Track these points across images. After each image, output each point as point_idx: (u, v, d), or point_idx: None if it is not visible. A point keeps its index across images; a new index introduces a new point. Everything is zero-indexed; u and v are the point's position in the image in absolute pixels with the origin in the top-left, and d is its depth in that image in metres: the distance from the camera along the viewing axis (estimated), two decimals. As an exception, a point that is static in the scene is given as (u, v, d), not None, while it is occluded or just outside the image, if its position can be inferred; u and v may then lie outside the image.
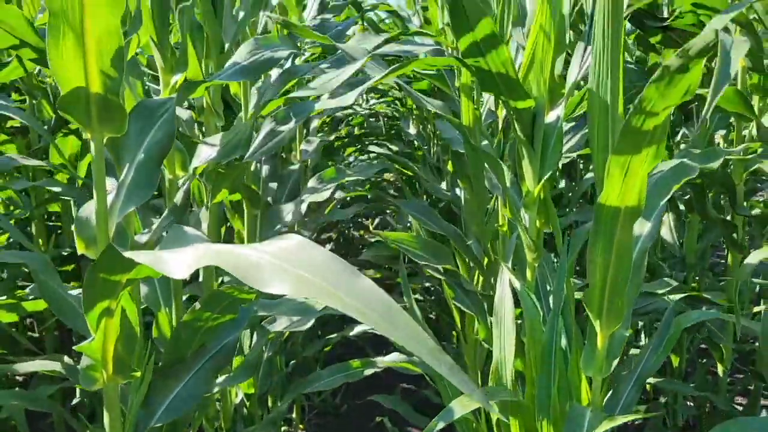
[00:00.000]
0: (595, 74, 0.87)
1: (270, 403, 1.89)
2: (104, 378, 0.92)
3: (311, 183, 1.63)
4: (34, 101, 2.08)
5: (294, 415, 2.29)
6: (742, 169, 1.72)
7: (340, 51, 1.27)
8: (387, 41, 1.27)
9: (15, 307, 1.38)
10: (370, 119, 3.53)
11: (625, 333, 1.01)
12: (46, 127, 2.24)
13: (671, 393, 2.07)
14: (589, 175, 2.29)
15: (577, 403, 1.05)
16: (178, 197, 1.04)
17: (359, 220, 3.83)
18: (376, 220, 3.88)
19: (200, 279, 1.45)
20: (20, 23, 0.94)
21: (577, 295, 1.71)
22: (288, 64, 1.44)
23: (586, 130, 1.58)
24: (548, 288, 1.26)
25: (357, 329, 1.84)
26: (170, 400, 1.03)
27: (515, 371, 1.23)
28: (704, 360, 2.40)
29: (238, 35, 1.36)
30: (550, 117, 1.20)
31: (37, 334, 2.29)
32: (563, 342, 1.10)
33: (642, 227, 1.05)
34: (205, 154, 1.11)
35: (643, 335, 2.44)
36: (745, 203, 1.97)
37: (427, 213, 1.62)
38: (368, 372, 1.45)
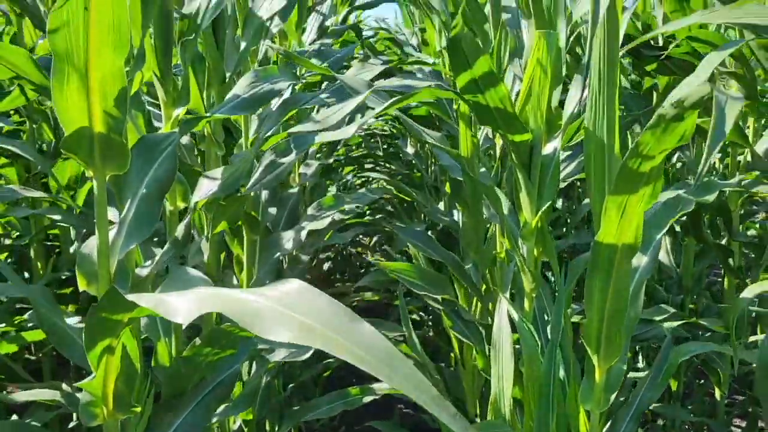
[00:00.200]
0: (591, 114, 0.88)
1: (268, 428, 1.89)
2: (104, 414, 0.92)
3: (311, 210, 1.64)
4: (34, 125, 2.10)
5: (292, 439, 2.28)
6: (737, 196, 1.74)
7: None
8: (386, 72, 1.29)
9: (15, 338, 1.38)
10: (368, 137, 3.55)
11: (623, 366, 1.02)
12: (45, 146, 2.25)
13: (669, 417, 2.07)
14: (587, 200, 2.30)
15: (575, 437, 1.05)
16: (180, 231, 1.05)
17: (357, 237, 3.84)
18: (374, 238, 3.89)
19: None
20: (25, 63, 0.95)
21: (575, 318, 1.72)
22: (288, 93, 1.45)
23: (582, 157, 1.60)
24: (546, 318, 1.26)
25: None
26: (170, 433, 1.03)
27: (514, 399, 1.24)
28: (702, 381, 2.40)
29: (240, 65, 1.38)
30: (548, 149, 1.21)
31: (34, 357, 2.28)
32: (561, 373, 1.10)
33: (639, 260, 1.06)
34: (207, 188, 1.12)
35: (640, 357, 2.44)
36: (741, 227, 1.99)
37: (425, 240, 1.63)
38: (367, 399, 1.45)
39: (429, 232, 2.48)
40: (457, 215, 1.98)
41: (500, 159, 1.48)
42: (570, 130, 1.45)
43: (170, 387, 1.03)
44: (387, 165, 3.27)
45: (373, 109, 1.20)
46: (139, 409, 0.96)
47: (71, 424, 1.85)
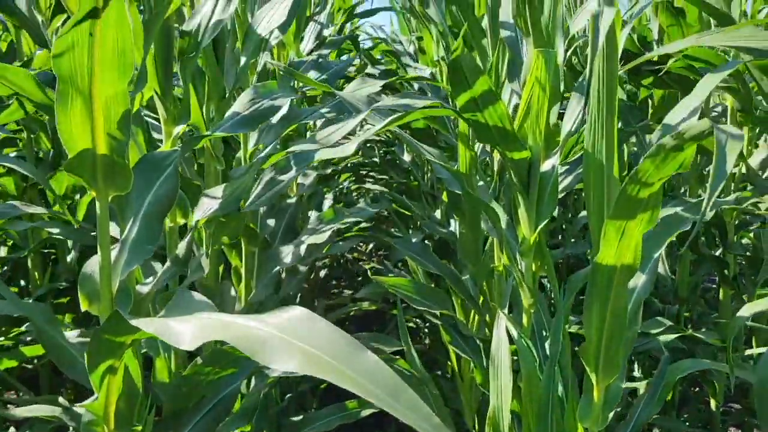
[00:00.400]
0: (590, 138, 0.89)
1: (265, 439, 1.89)
2: (106, 433, 0.93)
3: (310, 224, 1.65)
4: (32, 135, 2.09)
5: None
6: (732, 208, 1.75)
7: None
8: (385, 86, 1.30)
9: (14, 353, 1.38)
10: (365, 144, 3.56)
11: (621, 385, 1.03)
12: (42, 154, 2.25)
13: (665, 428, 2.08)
14: (584, 213, 2.32)
15: (574, 454, 1.06)
16: (181, 249, 1.05)
17: (355, 244, 3.84)
18: (371, 245, 3.89)
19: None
20: (27, 82, 0.95)
21: (574, 329, 1.73)
22: (287, 108, 1.46)
23: (579, 170, 1.61)
24: (544, 334, 1.27)
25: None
26: (170, 451, 1.03)
27: (512, 413, 1.24)
28: (697, 389, 2.41)
29: (240, 80, 1.38)
30: (546, 166, 1.22)
31: (31, 366, 2.28)
32: (560, 389, 1.11)
33: (637, 279, 1.07)
34: (207, 206, 1.12)
35: (636, 365, 2.45)
36: (735, 237, 2.00)
37: (422, 252, 1.64)
38: (365, 413, 1.45)
39: (426, 241, 2.49)
40: (455, 225, 1.99)
41: (498, 174, 1.49)
42: (568, 144, 1.45)
43: (171, 405, 1.04)
44: (384, 173, 3.28)
45: (372, 125, 1.20)
46: (140, 428, 0.96)
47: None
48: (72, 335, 1.31)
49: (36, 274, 2.14)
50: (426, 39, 2.71)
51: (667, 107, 2.15)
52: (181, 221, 1.21)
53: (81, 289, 0.93)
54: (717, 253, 2.04)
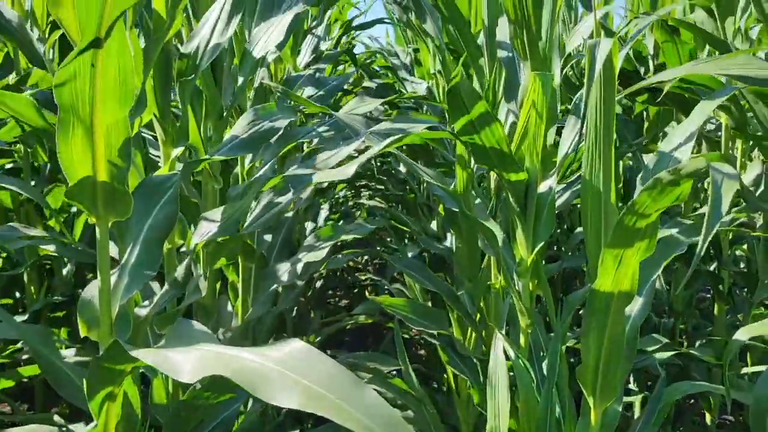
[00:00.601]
0: (587, 166, 0.90)
1: (262, 454, 1.88)
2: (104, 459, 0.93)
3: (308, 241, 1.65)
4: (29, 149, 2.09)
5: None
6: (727, 230, 1.77)
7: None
8: (384, 103, 1.30)
9: (11, 373, 1.37)
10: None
11: (618, 408, 1.03)
12: (39, 167, 2.25)
13: (661, 441, 2.08)
14: (580, 229, 2.32)
15: (571, 477, 1.07)
16: (179, 272, 1.05)
17: (350, 253, 3.83)
18: (366, 255, 3.89)
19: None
20: (27, 109, 0.96)
21: (570, 343, 1.73)
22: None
23: (576, 188, 1.62)
24: (542, 354, 1.28)
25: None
26: (167, 475, 1.03)
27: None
28: (692, 401, 2.42)
29: (238, 99, 1.38)
30: (543, 187, 1.23)
31: (26, 379, 2.27)
32: (558, 410, 1.12)
33: (634, 304, 1.08)
34: (206, 229, 1.12)
35: (632, 378, 2.46)
36: (730, 251, 2.02)
37: (419, 269, 1.64)
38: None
39: (423, 254, 2.49)
40: (451, 240, 2.00)
41: (495, 193, 1.50)
42: (564, 164, 1.46)
43: (170, 429, 1.04)
44: (380, 183, 3.28)
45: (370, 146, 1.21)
46: (138, 454, 0.96)
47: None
48: (68, 354, 1.30)
49: (32, 287, 2.13)
50: (423, 52, 2.72)
51: (662, 123, 2.17)
52: (179, 242, 1.21)
53: (80, 315, 0.93)
54: (711, 268, 2.06)
